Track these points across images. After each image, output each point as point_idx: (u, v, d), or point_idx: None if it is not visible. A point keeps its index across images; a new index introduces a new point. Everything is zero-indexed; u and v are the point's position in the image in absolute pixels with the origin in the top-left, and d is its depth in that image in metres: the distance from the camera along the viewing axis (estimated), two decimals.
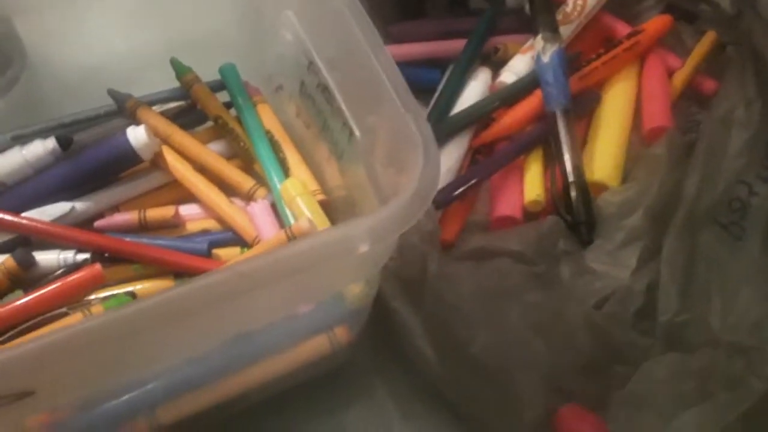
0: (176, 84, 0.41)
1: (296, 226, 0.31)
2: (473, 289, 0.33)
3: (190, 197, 0.37)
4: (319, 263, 0.26)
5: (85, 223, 0.36)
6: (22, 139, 0.38)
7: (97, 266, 0.32)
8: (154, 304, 0.24)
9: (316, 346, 0.33)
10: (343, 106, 0.31)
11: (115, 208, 0.36)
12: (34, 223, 0.34)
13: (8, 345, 0.30)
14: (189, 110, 0.40)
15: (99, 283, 0.32)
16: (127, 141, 0.35)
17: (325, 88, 0.31)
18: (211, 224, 0.37)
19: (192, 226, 0.36)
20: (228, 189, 0.37)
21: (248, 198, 0.37)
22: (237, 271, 0.25)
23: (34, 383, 0.23)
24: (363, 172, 0.30)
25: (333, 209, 0.36)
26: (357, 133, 0.31)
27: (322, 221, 0.33)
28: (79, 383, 0.26)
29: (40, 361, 0.22)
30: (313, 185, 0.35)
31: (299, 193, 0.33)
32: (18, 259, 0.32)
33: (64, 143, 0.37)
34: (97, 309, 0.31)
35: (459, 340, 0.32)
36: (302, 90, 0.34)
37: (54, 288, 0.32)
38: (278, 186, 0.36)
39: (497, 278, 0.33)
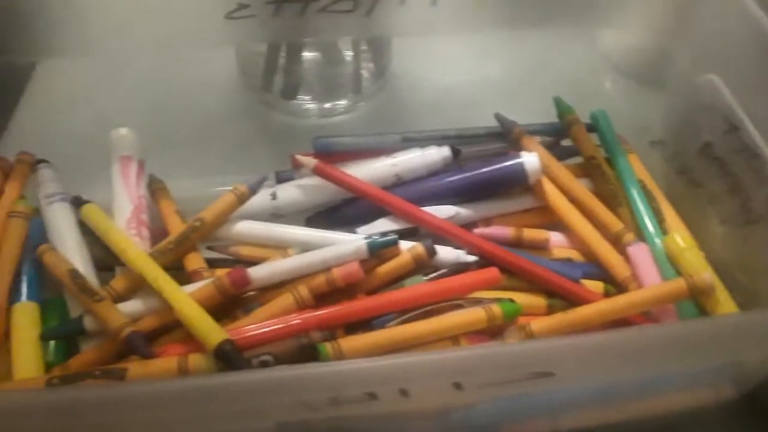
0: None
1: (699, 278, 0.33)
2: None
3: (554, 224, 0.40)
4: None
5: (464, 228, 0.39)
6: (411, 142, 0.42)
7: (496, 270, 0.36)
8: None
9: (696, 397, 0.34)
10: None
11: (488, 221, 0.40)
12: (433, 219, 0.38)
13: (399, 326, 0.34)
14: (553, 145, 0.44)
15: (493, 285, 0.36)
16: (521, 164, 0.39)
17: (753, 155, 0.32)
18: (573, 254, 0.39)
19: (557, 252, 0.40)
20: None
21: (613, 240, 0.39)
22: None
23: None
24: None
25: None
26: None
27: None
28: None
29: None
30: (690, 242, 0.37)
31: (689, 246, 0.35)
32: (427, 246, 0.36)
33: (455, 153, 0.41)
34: (496, 310, 0.34)
35: None
36: (704, 151, 0.36)
37: (454, 280, 0.36)
38: (651, 232, 0.38)
39: None
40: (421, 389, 0.26)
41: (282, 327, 0.32)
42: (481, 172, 0.39)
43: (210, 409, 0.24)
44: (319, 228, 0.38)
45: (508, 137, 0.41)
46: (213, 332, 0.29)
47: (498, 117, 0.42)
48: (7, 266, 0.34)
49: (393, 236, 0.35)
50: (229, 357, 0.29)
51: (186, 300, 0.31)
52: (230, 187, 0.42)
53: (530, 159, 0.38)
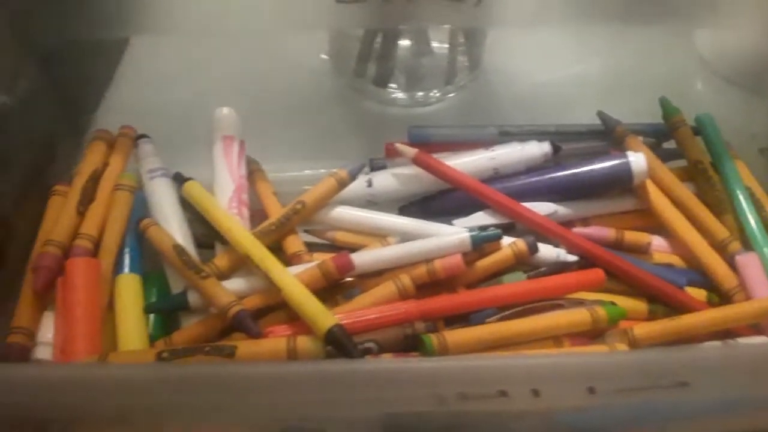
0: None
1: None
2: None
3: (653, 228, 0.39)
4: None
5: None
6: (508, 136, 0.42)
7: (600, 272, 0.35)
8: None
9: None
10: None
11: (586, 221, 0.39)
12: (533, 215, 0.37)
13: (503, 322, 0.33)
14: (655, 147, 0.42)
15: (596, 287, 0.35)
16: (627, 164, 0.38)
17: None
18: (674, 260, 0.38)
19: (657, 257, 0.39)
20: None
21: (718, 247, 0.38)
22: None
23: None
24: None
25: None
26: None
27: None
28: None
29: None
30: None
31: None
32: (529, 243, 0.35)
33: (556, 149, 0.40)
34: (600, 312, 0.33)
35: None
36: None
37: (557, 279, 0.35)
38: (759, 241, 0.36)
39: None
40: (554, 391, 0.26)
41: (386, 315, 0.31)
42: (584, 170, 0.38)
43: (336, 395, 0.24)
44: (412, 217, 0.39)
45: (610, 136, 0.40)
46: (323, 316, 0.29)
47: (601, 115, 0.41)
48: (114, 238, 0.34)
49: (497, 231, 0.35)
50: (339, 341, 0.29)
51: (294, 283, 0.31)
52: (321, 171, 0.43)
53: (637, 159, 0.37)
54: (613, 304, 0.35)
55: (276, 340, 0.30)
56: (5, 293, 0.33)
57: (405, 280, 0.33)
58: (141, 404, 0.26)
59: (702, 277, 0.37)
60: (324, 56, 0.51)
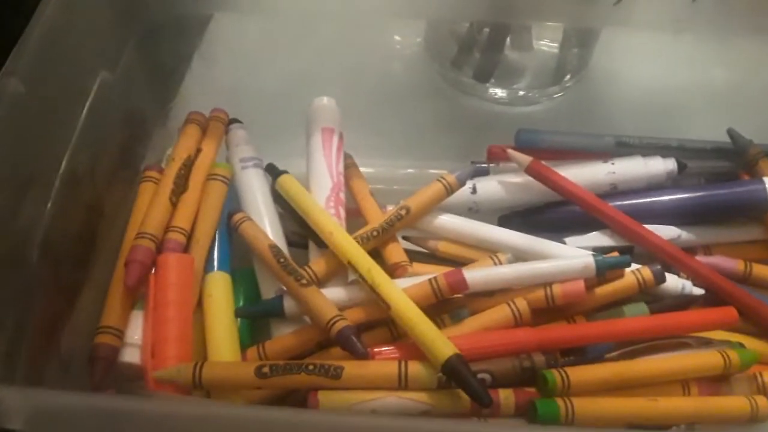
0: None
1: None
2: None
3: None
4: None
5: None
6: (626, 147, 0.39)
7: (734, 311, 0.32)
8: None
9: None
10: None
11: (708, 248, 0.36)
12: (657, 240, 0.34)
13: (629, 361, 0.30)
14: None
15: (728, 327, 0.32)
16: (764, 191, 0.35)
17: None
18: None
19: None
20: None
21: None
22: None
23: None
24: None
25: None
26: None
27: None
28: None
29: None
30: None
31: None
32: (656, 272, 0.32)
33: (681, 167, 0.37)
34: (733, 356, 0.30)
35: None
36: None
37: (687, 316, 0.32)
38: None
39: None
40: None
41: (502, 343, 0.29)
42: (713, 193, 0.35)
43: None
44: (513, 229, 0.36)
45: (739, 156, 0.37)
46: (440, 343, 0.27)
47: (731, 133, 0.38)
48: (206, 232, 0.32)
49: (625, 257, 0.32)
50: (458, 373, 0.26)
51: (406, 301, 0.28)
52: (416, 171, 0.41)
53: None
54: (741, 345, 0.32)
55: (386, 363, 0.27)
56: (91, 284, 0.31)
57: (521, 304, 0.30)
58: None
59: None
60: (419, 40, 0.47)
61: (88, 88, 0.31)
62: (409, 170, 0.41)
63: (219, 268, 0.32)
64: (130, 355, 0.29)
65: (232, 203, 0.35)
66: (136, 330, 0.29)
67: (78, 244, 0.31)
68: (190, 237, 0.32)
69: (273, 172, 0.35)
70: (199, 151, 0.35)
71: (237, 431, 0.21)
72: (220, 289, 0.31)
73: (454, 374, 0.26)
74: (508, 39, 0.45)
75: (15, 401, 0.21)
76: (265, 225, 0.34)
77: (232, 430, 0.21)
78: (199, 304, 0.32)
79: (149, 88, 0.37)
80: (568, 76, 0.45)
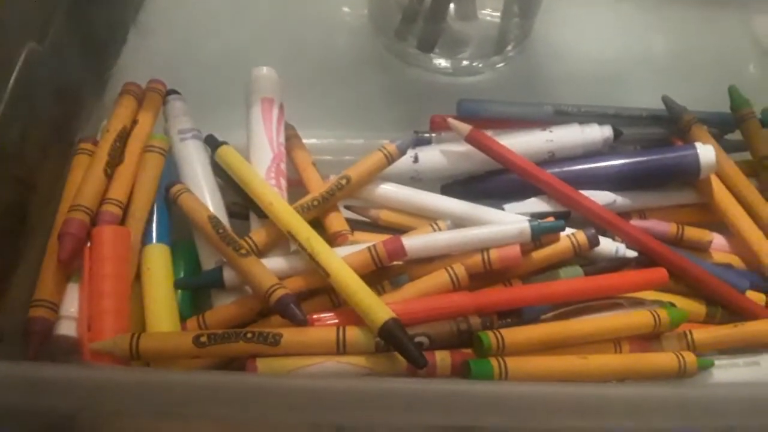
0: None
1: None
2: None
3: (711, 224, 0.36)
4: None
5: None
6: (564, 116, 0.39)
7: (664, 272, 0.33)
8: None
9: None
10: None
11: (642, 213, 0.37)
12: (593, 205, 0.35)
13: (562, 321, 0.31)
14: (717, 138, 0.40)
15: (658, 287, 0.33)
16: (695, 156, 0.35)
17: None
18: (733, 260, 0.36)
19: (716, 256, 0.36)
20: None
21: None
22: None
23: None
24: None
25: None
26: None
27: None
28: None
29: None
30: None
31: None
32: (590, 236, 0.33)
33: (617, 134, 0.38)
34: (663, 315, 0.31)
35: None
36: None
37: (619, 277, 0.32)
38: None
39: None
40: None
41: (439, 307, 0.29)
42: (648, 158, 0.36)
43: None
44: (454, 197, 0.36)
45: (674, 123, 0.38)
46: (377, 308, 0.27)
47: (665, 100, 0.38)
48: (143, 204, 0.31)
49: (560, 221, 0.32)
50: (395, 336, 0.26)
51: (345, 268, 0.28)
52: (358, 141, 0.41)
53: (706, 151, 0.35)
54: (672, 304, 0.33)
55: (324, 330, 0.28)
56: (26, 258, 0.30)
57: (459, 269, 0.31)
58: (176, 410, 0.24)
59: (764, 280, 0.35)
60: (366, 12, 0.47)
61: (13, 60, 0.30)
62: (355, 141, 0.41)
63: (158, 241, 0.32)
64: (66, 328, 0.29)
65: (171, 175, 0.35)
66: (71, 303, 0.29)
67: (8, 219, 0.30)
68: (126, 210, 0.32)
69: (212, 143, 0.35)
70: (135, 122, 0.35)
71: (170, 395, 0.21)
72: (158, 261, 0.31)
73: (390, 338, 0.27)
74: (451, 8, 0.46)
75: None
76: (205, 197, 0.33)
77: (167, 395, 0.21)
78: (138, 277, 0.32)
79: (83, 59, 0.36)
80: (511, 46, 0.46)
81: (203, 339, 0.27)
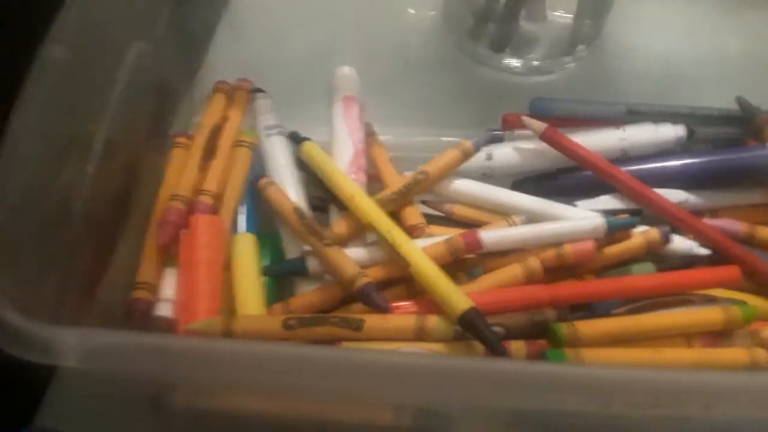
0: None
1: None
2: None
3: None
4: None
5: None
6: (637, 115, 0.40)
7: (737, 270, 0.33)
8: None
9: None
10: None
11: (714, 212, 0.37)
12: (665, 203, 0.35)
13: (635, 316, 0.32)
14: None
15: (730, 285, 0.34)
16: None
17: None
18: None
19: None
20: None
21: None
22: None
23: None
24: None
25: None
26: None
27: None
28: None
29: None
30: None
31: None
32: (663, 233, 0.33)
33: (690, 133, 0.38)
34: (735, 312, 0.31)
35: None
36: None
37: (691, 274, 0.33)
38: None
39: None
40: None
41: (515, 299, 0.30)
42: (721, 158, 0.36)
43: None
44: (526, 193, 0.37)
45: (749, 124, 0.38)
46: (456, 297, 0.28)
47: (740, 100, 0.39)
48: (234, 195, 0.33)
49: (634, 218, 0.33)
50: (474, 326, 0.28)
51: (425, 259, 0.30)
52: (436, 139, 0.42)
53: None
54: (744, 303, 0.34)
55: (404, 317, 0.29)
56: (130, 241, 0.33)
57: (534, 263, 0.32)
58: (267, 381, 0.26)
59: None
60: (432, 13, 0.48)
61: (124, 59, 0.33)
62: (426, 138, 0.42)
63: (246, 230, 0.35)
64: (164, 309, 0.31)
65: (257, 169, 0.37)
66: (169, 286, 0.32)
67: (115, 205, 0.32)
68: (218, 200, 0.34)
69: (296, 139, 0.37)
70: (225, 118, 0.37)
71: (272, 366, 0.23)
72: (247, 249, 0.33)
73: (470, 326, 0.28)
74: (523, 10, 0.47)
75: (69, 340, 0.23)
76: (289, 189, 0.35)
77: (269, 365, 0.23)
78: (228, 265, 0.34)
79: (179, 58, 0.38)
80: (582, 46, 0.47)
81: (292, 322, 0.29)
